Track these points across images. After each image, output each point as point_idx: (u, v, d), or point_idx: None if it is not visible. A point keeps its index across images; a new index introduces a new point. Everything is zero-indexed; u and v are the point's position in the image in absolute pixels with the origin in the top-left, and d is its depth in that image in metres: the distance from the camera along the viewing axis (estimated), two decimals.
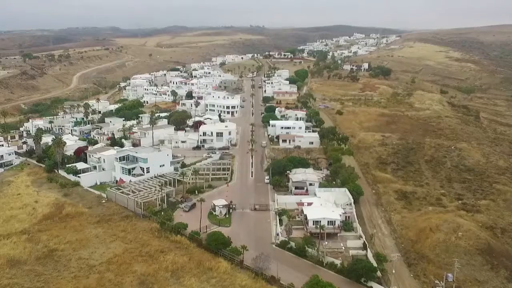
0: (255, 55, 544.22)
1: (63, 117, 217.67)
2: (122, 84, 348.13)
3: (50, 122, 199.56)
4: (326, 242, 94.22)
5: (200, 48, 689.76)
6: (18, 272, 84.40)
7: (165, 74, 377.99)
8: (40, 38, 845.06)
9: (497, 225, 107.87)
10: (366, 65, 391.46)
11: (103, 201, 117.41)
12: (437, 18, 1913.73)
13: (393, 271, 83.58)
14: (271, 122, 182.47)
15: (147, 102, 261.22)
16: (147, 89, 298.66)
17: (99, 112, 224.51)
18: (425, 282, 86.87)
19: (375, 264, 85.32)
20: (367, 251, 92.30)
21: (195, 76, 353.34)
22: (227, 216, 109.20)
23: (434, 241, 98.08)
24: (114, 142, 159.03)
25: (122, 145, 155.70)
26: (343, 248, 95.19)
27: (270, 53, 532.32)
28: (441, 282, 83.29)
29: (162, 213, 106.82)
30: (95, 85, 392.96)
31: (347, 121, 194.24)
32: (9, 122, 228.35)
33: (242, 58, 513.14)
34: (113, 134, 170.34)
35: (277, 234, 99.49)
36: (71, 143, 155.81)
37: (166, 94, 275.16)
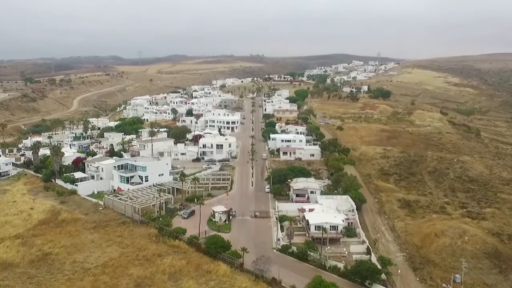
0: (255, 78, 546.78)
1: (62, 133, 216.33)
2: (123, 105, 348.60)
3: (49, 137, 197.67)
4: (329, 247, 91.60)
5: (200, 75, 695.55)
6: (10, 275, 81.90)
7: (165, 97, 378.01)
8: (42, 66, 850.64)
9: (504, 231, 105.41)
10: (365, 88, 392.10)
11: (100, 208, 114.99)
12: (434, 47, 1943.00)
13: (399, 271, 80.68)
14: (272, 135, 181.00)
15: (147, 120, 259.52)
16: (148, 108, 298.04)
17: (99, 128, 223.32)
18: (431, 286, 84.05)
19: (379, 267, 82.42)
20: (371, 255, 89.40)
21: (195, 97, 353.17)
22: (226, 222, 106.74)
23: (439, 245, 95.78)
24: (113, 153, 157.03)
25: (121, 157, 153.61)
26: (346, 252, 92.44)
27: (270, 76, 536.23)
28: (449, 285, 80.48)
29: (160, 219, 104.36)
30: (96, 108, 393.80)
31: (347, 136, 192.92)
32: (8, 142, 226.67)
33: (242, 81, 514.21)
34: (112, 146, 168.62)
35: (278, 239, 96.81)
36: (70, 154, 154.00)
37: (166, 113, 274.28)
